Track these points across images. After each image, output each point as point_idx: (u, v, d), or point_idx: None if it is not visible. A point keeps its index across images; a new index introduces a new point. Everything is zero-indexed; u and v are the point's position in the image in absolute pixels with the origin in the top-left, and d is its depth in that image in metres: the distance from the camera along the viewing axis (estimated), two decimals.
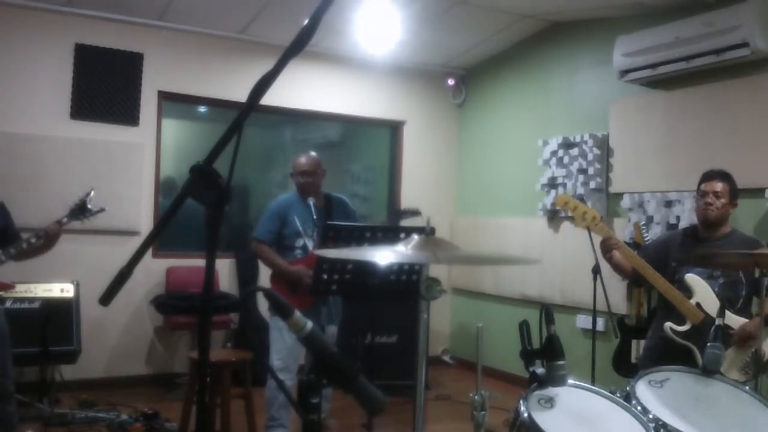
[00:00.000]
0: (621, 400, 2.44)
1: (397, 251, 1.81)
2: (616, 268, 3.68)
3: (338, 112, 6.76)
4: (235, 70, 6.10)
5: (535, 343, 2.35)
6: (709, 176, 3.56)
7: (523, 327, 2.39)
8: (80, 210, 3.96)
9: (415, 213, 5.78)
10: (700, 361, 3.04)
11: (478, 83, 7.13)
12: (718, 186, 3.48)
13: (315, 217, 4.12)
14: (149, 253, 5.59)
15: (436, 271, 1.76)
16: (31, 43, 5.49)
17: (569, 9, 5.70)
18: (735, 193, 3.53)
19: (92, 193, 4.07)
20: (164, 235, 5.80)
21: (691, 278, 3.44)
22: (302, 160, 4.28)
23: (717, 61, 4.59)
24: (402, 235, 3.47)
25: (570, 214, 3.62)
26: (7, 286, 4.01)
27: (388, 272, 3.46)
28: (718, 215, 3.48)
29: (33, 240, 3.82)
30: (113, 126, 5.75)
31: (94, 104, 5.68)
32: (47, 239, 3.87)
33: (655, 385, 2.62)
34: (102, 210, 4.10)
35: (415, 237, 1.85)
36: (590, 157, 5.62)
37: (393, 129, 7.25)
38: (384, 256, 1.91)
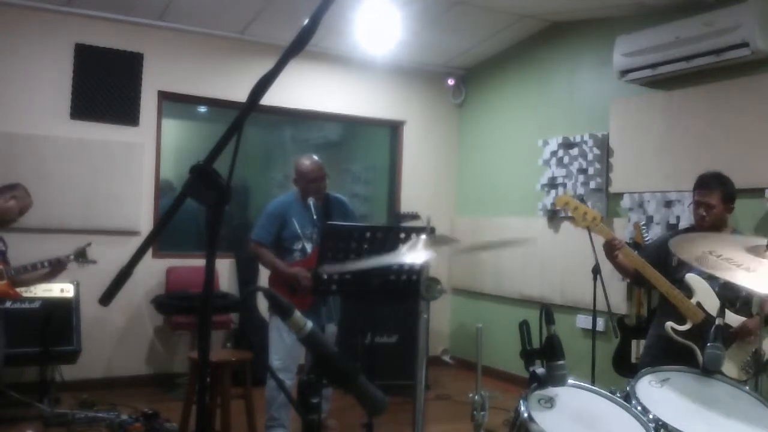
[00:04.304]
0: (621, 400, 2.44)
1: (397, 256, 1.81)
2: (619, 268, 3.67)
3: (338, 112, 6.76)
4: (235, 70, 6.10)
5: (535, 343, 2.35)
6: (701, 183, 3.52)
7: (523, 327, 2.40)
8: (81, 254, 4.36)
9: (414, 217, 5.78)
10: (700, 360, 3.04)
11: (478, 83, 7.13)
12: (710, 198, 3.45)
13: (315, 216, 4.12)
14: (149, 253, 5.59)
15: (436, 271, 1.75)
16: (31, 43, 5.49)
17: (569, 9, 5.70)
18: (730, 197, 3.50)
19: (91, 244, 4.49)
20: (164, 235, 5.80)
21: (692, 278, 3.44)
22: (310, 166, 4.21)
23: (717, 61, 4.59)
24: (402, 236, 3.49)
25: (570, 214, 3.62)
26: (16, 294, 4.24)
27: (388, 272, 3.46)
28: (712, 224, 3.48)
29: (38, 266, 4.12)
30: (113, 126, 5.75)
31: (94, 104, 5.68)
32: (56, 268, 4.17)
33: (655, 385, 2.62)
34: (94, 262, 4.44)
35: (417, 239, 1.85)
36: (590, 157, 5.62)
37: (393, 129, 7.25)
38: (383, 262, 1.90)
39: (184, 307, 5.55)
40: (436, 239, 1.85)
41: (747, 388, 2.72)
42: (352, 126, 7.36)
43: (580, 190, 5.66)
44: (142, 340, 5.89)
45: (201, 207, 1.26)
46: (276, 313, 1.49)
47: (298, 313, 1.45)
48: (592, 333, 4.89)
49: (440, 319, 7.14)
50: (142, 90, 5.86)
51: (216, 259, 1.31)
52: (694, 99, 4.93)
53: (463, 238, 6.93)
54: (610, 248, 3.52)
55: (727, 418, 2.48)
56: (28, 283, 4.27)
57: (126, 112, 5.79)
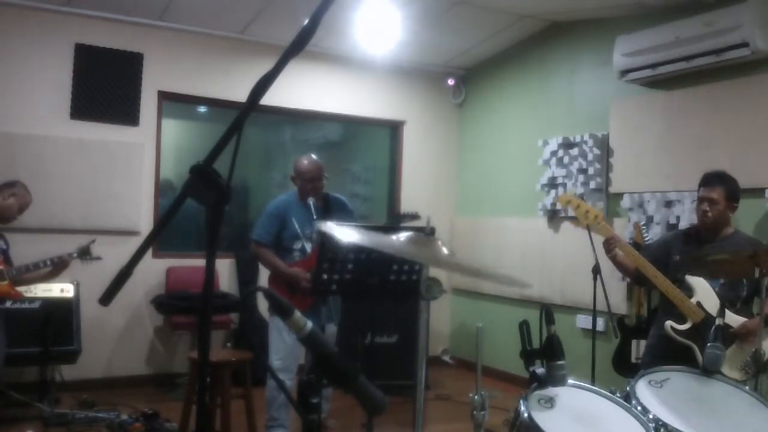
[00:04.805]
0: (621, 400, 2.44)
1: (401, 242, 1.80)
2: (619, 266, 3.69)
3: (338, 112, 6.76)
4: (235, 70, 6.10)
5: (535, 343, 2.35)
6: (706, 181, 3.55)
7: (523, 327, 2.40)
8: (85, 252, 4.32)
9: (414, 217, 5.78)
10: (700, 359, 3.04)
11: (478, 83, 7.13)
12: (714, 193, 3.47)
13: (315, 216, 4.12)
14: (149, 253, 5.59)
15: (436, 271, 1.75)
16: (31, 43, 5.48)
17: (569, 9, 5.70)
18: (734, 196, 3.51)
19: (96, 240, 4.45)
20: (164, 235, 5.80)
21: (692, 278, 3.44)
22: (308, 165, 4.22)
23: (717, 61, 4.59)
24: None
25: (573, 213, 3.62)
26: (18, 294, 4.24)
27: (388, 272, 3.46)
28: (714, 221, 3.49)
29: (40, 265, 4.09)
30: (113, 126, 5.74)
31: (94, 104, 5.67)
32: (59, 267, 4.15)
33: (655, 385, 2.62)
34: (99, 258, 4.40)
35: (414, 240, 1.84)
36: (590, 157, 5.62)
37: (393, 129, 7.25)
38: (391, 243, 1.88)
39: (184, 307, 5.54)
40: (434, 245, 1.84)
41: (747, 388, 2.72)
42: (352, 126, 7.36)
43: (580, 190, 5.66)
44: (142, 340, 5.89)
45: (201, 207, 1.26)
46: (276, 313, 1.49)
47: (298, 313, 1.45)
48: (592, 333, 4.88)
49: (440, 319, 7.14)
50: (142, 90, 5.85)
51: (216, 259, 1.31)
52: (694, 99, 4.93)
53: (463, 238, 6.94)
54: (609, 246, 3.53)
55: (727, 418, 2.48)
56: (30, 282, 4.27)
57: (126, 112, 5.79)
